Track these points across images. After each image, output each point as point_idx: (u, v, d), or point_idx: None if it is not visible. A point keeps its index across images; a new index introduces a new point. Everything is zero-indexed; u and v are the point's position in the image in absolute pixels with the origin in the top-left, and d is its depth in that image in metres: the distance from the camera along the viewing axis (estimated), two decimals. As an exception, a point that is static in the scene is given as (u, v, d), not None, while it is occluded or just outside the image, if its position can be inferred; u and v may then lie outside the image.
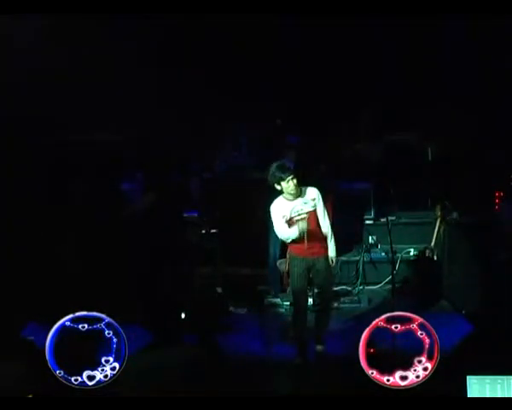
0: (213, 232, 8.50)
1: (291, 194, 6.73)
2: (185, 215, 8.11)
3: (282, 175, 6.65)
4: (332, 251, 6.94)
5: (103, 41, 9.82)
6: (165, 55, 10.26)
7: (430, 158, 10.34)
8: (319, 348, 7.07)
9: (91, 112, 9.81)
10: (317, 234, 6.85)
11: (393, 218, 9.66)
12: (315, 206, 6.83)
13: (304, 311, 7.03)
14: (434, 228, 9.15)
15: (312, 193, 6.86)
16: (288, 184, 6.68)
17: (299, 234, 6.71)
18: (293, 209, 6.76)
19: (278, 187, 6.75)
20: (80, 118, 9.76)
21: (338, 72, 10.35)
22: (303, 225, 6.69)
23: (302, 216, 6.73)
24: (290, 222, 6.74)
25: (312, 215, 6.81)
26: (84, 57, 9.88)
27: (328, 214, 7.05)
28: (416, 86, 10.17)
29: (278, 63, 10.38)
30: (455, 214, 9.04)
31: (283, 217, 6.74)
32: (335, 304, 7.56)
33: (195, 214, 8.10)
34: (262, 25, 9.88)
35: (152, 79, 10.05)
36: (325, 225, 6.90)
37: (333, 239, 6.95)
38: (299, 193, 6.76)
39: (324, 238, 6.91)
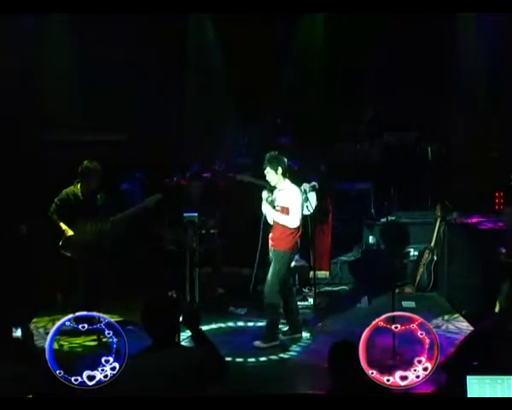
0: (213, 232, 8.48)
1: (269, 184, 7.16)
2: (185, 215, 8.07)
3: (263, 166, 7.15)
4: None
5: (103, 41, 9.85)
6: (165, 56, 10.28)
7: (430, 158, 10.35)
8: (256, 343, 7.31)
9: (91, 112, 9.84)
10: (281, 228, 7.16)
11: (393, 218, 9.67)
12: (289, 204, 7.15)
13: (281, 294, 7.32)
14: (434, 228, 9.15)
15: (291, 192, 7.19)
16: (267, 175, 7.12)
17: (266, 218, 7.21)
18: (274, 198, 7.18)
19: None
20: (80, 118, 9.79)
21: (338, 72, 10.38)
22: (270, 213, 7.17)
23: (278, 208, 7.17)
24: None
25: (285, 211, 7.14)
26: (84, 57, 9.92)
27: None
28: (416, 86, 10.19)
29: (277, 64, 10.42)
30: (455, 214, 9.05)
31: (266, 199, 7.20)
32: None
33: (195, 214, 8.07)
34: (262, 25, 9.92)
35: (153, 80, 10.08)
36: (293, 222, 7.12)
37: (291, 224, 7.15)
38: (274, 186, 7.15)
39: (289, 234, 7.15)
